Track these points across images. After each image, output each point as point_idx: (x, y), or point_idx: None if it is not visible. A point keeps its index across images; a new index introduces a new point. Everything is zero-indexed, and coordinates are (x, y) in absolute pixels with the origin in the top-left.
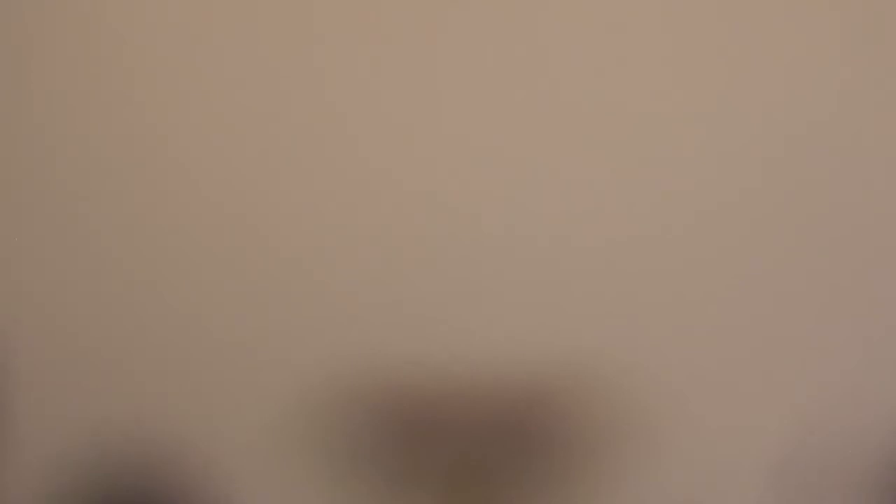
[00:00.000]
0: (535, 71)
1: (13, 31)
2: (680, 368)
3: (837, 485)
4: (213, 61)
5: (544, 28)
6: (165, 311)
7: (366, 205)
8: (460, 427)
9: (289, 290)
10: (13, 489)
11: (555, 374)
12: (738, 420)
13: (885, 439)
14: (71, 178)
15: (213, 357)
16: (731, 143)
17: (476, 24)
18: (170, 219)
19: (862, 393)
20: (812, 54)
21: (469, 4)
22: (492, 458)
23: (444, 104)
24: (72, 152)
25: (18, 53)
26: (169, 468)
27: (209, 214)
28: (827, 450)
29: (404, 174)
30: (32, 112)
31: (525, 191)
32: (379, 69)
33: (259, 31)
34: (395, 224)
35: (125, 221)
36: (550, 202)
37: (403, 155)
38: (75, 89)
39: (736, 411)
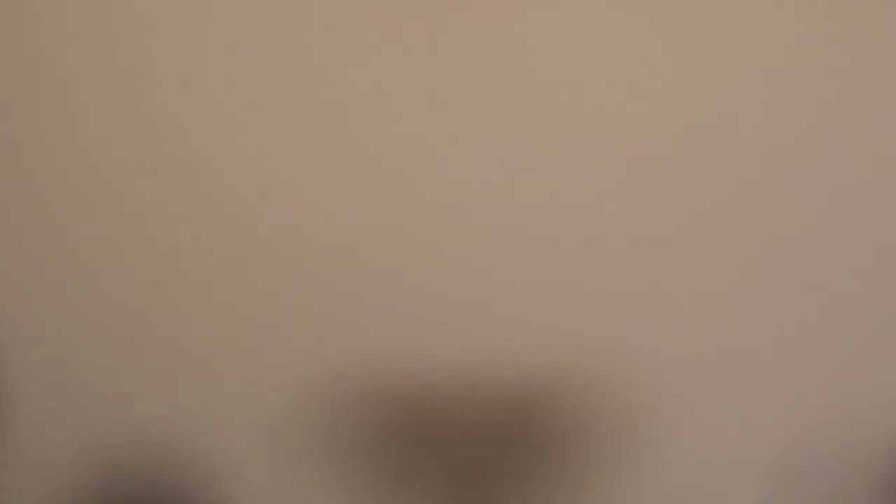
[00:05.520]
0: (536, 71)
1: (13, 31)
2: (680, 368)
3: (837, 484)
4: (214, 61)
5: (544, 28)
6: (166, 312)
7: (366, 205)
8: (460, 427)
9: (289, 290)
10: (13, 489)
11: (554, 374)
12: (738, 420)
13: (885, 439)
14: (71, 178)
15: (213, 358)
16: (731, 143)
17: (476, 23)
18: (170, 219)
19: (862, 393)
20: (812, 55)
21: (469, 4)
22: (492, 458)
23: (444, 105)
24: (72, 152)
25: (19, 54)
26: (169, 468)
27: (209, 214)
28: (827, 450)
29: (405, 175)
30: (32, 112)
31: (525, 191)
32: (380, 70)
33: (259, 32)
34: (396, 224)
35: (125, 222)
36: (550, 202)
37: (404, 156)
38: (75, 89)
39: (736, 411)
